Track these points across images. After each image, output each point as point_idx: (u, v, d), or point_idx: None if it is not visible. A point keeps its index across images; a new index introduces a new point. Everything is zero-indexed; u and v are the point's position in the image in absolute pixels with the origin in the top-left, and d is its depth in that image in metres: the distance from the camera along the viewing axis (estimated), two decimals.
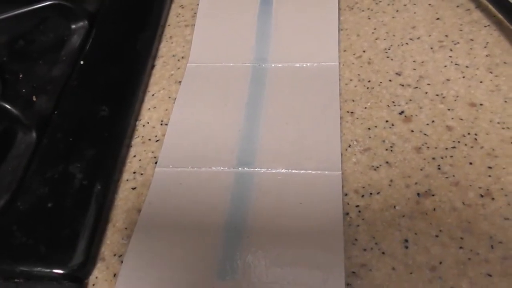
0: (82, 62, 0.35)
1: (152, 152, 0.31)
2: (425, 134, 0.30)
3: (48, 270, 0.24)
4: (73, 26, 0.38)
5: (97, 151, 0.29)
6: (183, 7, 0.42)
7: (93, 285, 0.25)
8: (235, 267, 0.24)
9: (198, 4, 0.42)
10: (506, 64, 0.33)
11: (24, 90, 0.38)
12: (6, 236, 0.26)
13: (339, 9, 0.39)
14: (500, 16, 0.36)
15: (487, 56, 0.34)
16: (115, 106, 0.32)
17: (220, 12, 0.40)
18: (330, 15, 0.38)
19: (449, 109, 0.31)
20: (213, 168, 0.29)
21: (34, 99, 0.36)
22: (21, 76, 0.39)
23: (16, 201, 0.27)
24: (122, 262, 0.26)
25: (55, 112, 0.31)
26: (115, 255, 0.26)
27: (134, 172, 0.30)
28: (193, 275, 0.24)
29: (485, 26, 0.37)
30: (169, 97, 0.35)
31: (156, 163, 0.30)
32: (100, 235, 0.26)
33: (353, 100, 0.33)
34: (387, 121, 0.31)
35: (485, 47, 0.35)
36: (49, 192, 0.27)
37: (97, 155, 0.29)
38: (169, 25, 0.41)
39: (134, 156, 0.31)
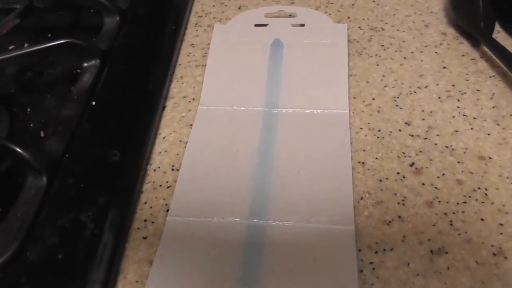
0: (94, 103, 0.35)
1: (164, 199, 0.31)
2: (436, 188, 0.30)
3: None
4: (85, 64, 0.38)
5: (109, 198, 0.29)
6: (193, 47, 0.43)
7: None
8: None
9: (208, 44, 0.42)
10: None
11: (31, 125, 0.38)
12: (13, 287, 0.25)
13: (348, 54, 0.40)
14: (504, 67, 0.37)
15: (493, 107, 0.35)
16: (126, 150, 0.32)
17: (231, 54, 0.40)
18: (340, 60, 0.39)
19: (458, 162, 0.32)
20: (226, 219, 0.29)
21: (42, 134, 0.36)
22: (29, 110, 0.39)
23: (25, 250, 0.26)
24: None
25: (66, 155, 0.31)
26: None
27: (145, 220, 0.30)
28: None
29: (490, 77, 0.37)
30: (180, 141, 0.35)
31: (167, 211, 0.30)
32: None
33: (364, 150, 0.33)
34: (398, 173, 0.31)
35: (491, 98, 0.36)
36: (60, 241, 0.27)
37: (109, 202, 0.29)
38: (179, 64, 0.41)
39: (145, 202, 0.31)
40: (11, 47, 0.45)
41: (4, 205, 0.29)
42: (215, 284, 0.26)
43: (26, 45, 0.44)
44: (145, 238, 0.29)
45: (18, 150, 0.29)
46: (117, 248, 0.27)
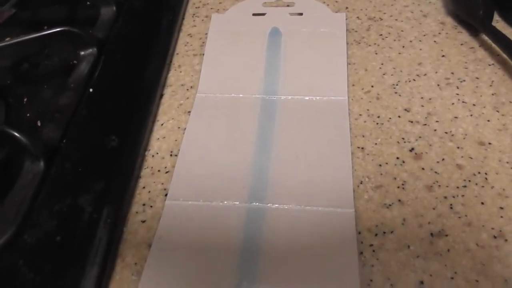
0: (91, 90, 0.35)
1: (162, 183, 0.31)
2: (436, 172, 0.30)
3: None
4: (82, 53, 0.38)
5: (106, 183, 0.29)
6: (191, 36, 0.42)
7: None
8: None
9: (206, 34, 0.42)
10: None
11: (28, 115, 0.37)
12: (12, 271, 0.25)
13: (347, 43, 0.40)
14: (503, 55, 0.37)
15: (493, 94, 0.35)
16: (124, 136, 0.32)
17: (229, 42, 0.40)
18: (338, 48, 0.39)
19: (458, 147, 0.32)
20: (225, 202, 0.29)
21: (39, 123, 0.36)
22: (25, 100, 0.39)
23: (23, 234, 0.26)
24: None
25: (64, 141, 0.31)
26: None
27: (144, 205, 0.30)
28: None
29: (490, 65, 0.37)
30: (179, 127, 0.34)
31: (166, 195, 0.30)
32: (109, 271, 0.26)
33: (363, 136, 0.33)
34: (397, 158, 0.31)
35: (490, 85, 0.36)
36: (57, 225, 0.27)
37: (106, 187, 0.29)
38: (177, 53, 0.41)
39: (144, 187, 0.31)
40: (7, 39, 0.44)
41: (1, 191, 0.29)
42: (214, 267, 0.26)
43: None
44: (143, 222, 0.29)
45: (16, 134, 0.29)
46: (115, 231, 0.27)
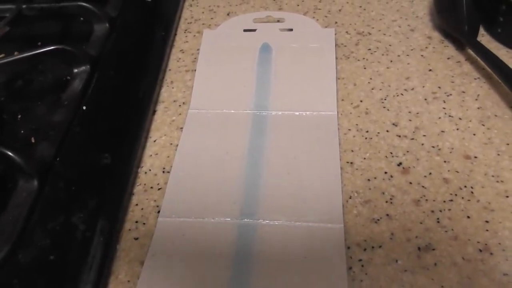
0: (84, 108, 0.35)
1: (155, 200, 0.31)
2: (423, 187, 0.31)
3: None
4: (75, 70, 0.38)
5: (99, 201, 0.29)
6: (183, 52, 0.43)
7: None
8: None
9: (198, 49, 0.43)
10: (497, 117, 0.35)
11: (22, 132, 0.38)
12: None
13: (336, 58, 0.41)
14: (489, 69, 0.38)
15: (478, 108, 0.36)
16: (117, 153, 0.32)
17: (220, 58, 0.41)
18: (328, 64, 0.40)
19: (445, 161, 0.32)
20: (216, 219, 0.29)
21: (33, 140, 0.36)
22: (19, 116, 0.39)
23: (17, 253, 0.26)
24: None
25: (57, 159, 0.31)
26: None
27: (137, 222, 0.30)
28: None
29: (475, 79, 0.38)
30: (171, 144, 0.35)
31: (158, 212, 0.30)
32: None
33: (352, 151, 0.34)
34: (386, 172, 0.32)
35: (476, 99, 0.36)
36: (51, 244, 0.27)
37: (100, 205, 0.29)
38: (170, 69, 0.42)
39: (136, 204, 0.31)
40: (0, 55, 0.45)
41: None
42: (206, 283, 0.26)
43: (16, 53, 0.44)
44: (136, 239, 0.29)
45: (9, 153, 0.29)
46: (108, 249, 0.27)
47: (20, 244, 0.27)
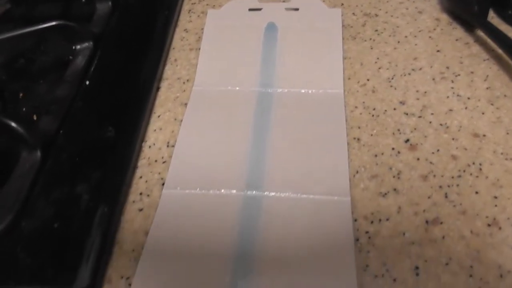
0: (87, 83, 0.35)
1: (159, 173, 0.31)
2: (431, 163, 0.30)
3: None
4: (78, 47, 0.38)
5: (103, 172, 0.29)
6: (187, 31, 0.43)
7: None
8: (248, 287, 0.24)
9: (202, 29, 0.42)
10: (507, 97, 0.34)
11: (24, 109, 0.37)
12: (10, 257, 0.25)
13: (342, 38, 0.40)
14: (498, 50, 0.37)
15: (487, 88, 0.35)
16: (121, 127, 0.32)
17: (225, 37, 0.40)
18: (334, 43, 0.39)
19: (453, 139, 0.32)
20: (222, 191, 0.29)
21: (35, 118, 0.36)
22: (21, 95, 0.39)
23: (20, 222, 0.26)
24: (129, 284, 0.25)
25: (60, 132, 0.31)
26: (122, 277, 0.26)
27: (141, 194, 0.30)
28: None
29: (484, 60, 0.38)
30: (175, 119, 0.35)
31: (163, 184, 0.30)
32: (107, 257, 0.26)
33: (359, 127, 0.33)
34: (393, 148, 0.31)
35: (485, 80, 0.36)
36: (55, 213, 0.27)
37: (103, 176, 0.29)
38: (173, 48, 0.41)
39: (141, 177, 0.31)
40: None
41: None
42: (212, 253, 0.26)
43: None
44: (140, 210, 0.29)
45: (12, 124, 0.29)
46: (112, 218, 0.27)
47: (24, 213, 0.27)
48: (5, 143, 0.31)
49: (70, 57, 0.40)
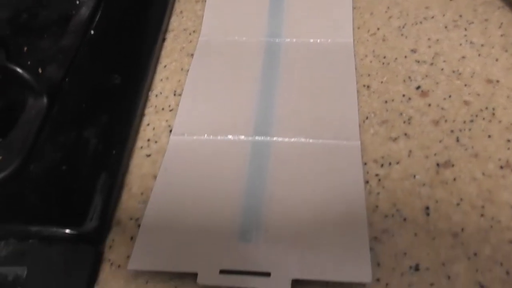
0: (92, 32, 0.34)
1: (166, 121, 0.31)
2: (442, 108, 0.30)
3: (63, 231, 0.23)
4: (81, 0, 0.37)
5: (111, 117, 0.29)
6: None
7: (110, 247, 0.25)
8: (257, 229, 0.24)
9: None
10: None
11: (29, 63, 0.37)
12: (19, 198, 0.25)
13: None
14: None
15: (502, 36, 0.34)
16: (127, 74, 0.31)
17: None
18: None
19: (465, 85, 0.31)
20: (230, 136, 0.29)
21: (40, 71, 0.36)
22: (25, 49, 0.38)
23: (28, 165, 0.26)
24: (139, 226, 0.25)
25: (66, 79, 0.31)
26: (131, 219, 0.26)
27: (149, 140, 0.30)
28: (214, 237, 0.24)
29: (499, 8, 0.36)
30: (182, 69, 0.34)
31: (170, 131, 0.30)
32: (116, 199, 0.26)
33: (368, 75, 0.32)
34: (404, 95, 0.31)
35: (499, 27, 0.35)
36: (63, 156, 0.27)
37: (111, 121, 0.28)
38: (179, 0, 0.40)
39: (148, 124, 0.30)
40: None
41: (5, 127, 0.29)
42: (220, 197, 0.26)
43: None
44: (148, 156, 0.29)
45: (19, 70, 0.29)
46: (120, 160, 0.27)
47: (32, 157, 0.27)
48: (11, 90, 0.31)
49: (73, 12, 0.39)
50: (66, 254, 0.23)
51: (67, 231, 0.23)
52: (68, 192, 0.25)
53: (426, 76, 0.32)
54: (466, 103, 0.30)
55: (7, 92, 0.31)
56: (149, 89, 0.33)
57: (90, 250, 0.23)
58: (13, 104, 0.30)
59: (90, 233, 0.24)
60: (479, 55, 0.33)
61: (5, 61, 0.29)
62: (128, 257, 0.24)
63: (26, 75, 0.29)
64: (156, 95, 0.32)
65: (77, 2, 0.39)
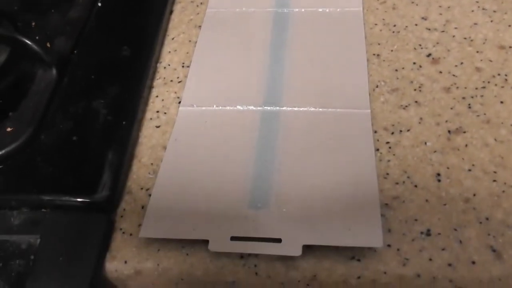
0: (100, 5, 0.34)
1: (175, 92, 0.30)
2: (454, 75, 0.29)
3: (75, 200, 0.24)
4: None
5: (120, 89, 0.29)
6: None
7: (121, 216, 0.25)
8: (267, 196, 0.24)
9: None
10: None
11: (37, 38, 0.37)
12: (31, 168, 0.25)
13: None
14: None
15: None
16: (135, 46, 0.31)
17: None
18: None
19: (477, 52, 0.31)
20: (239, 107, 0.29)
21: (48, 45, 0.35)
22: (33, 24, 0.38)
23: (39, 135, 0.26)
24: (149, 195, 0.25)
25: (75, 52, 0.31)
26: (142, 188, 0.26)
27: (158, 112, 0.30)
28: (224, 205, 0.24)
29: None
30: (189, 41, 0.34)
31: (179, 103, 0.30)
32: (126, 169, 0.26)
33: (378, 44, 0.32)
34: (414, 63, 0.30)
35: None
36: (74, 126, 0.27)
37: (120, 92, 0.28)
38: None
39: (157, 96, 0.30)
40: None
41: (15, 98, 0.29)
42: (230, 168, 0.26)
43: None
44: (158, 127, 0.29)
45: (28, 42, 0.29)
46: (130, 131, 0.27)
47: (42, 127, 0.27)
48: (21, 62, 0.31)
49: None
50: (79, 223, 0.23)
51: (79, 200, 0.24)
52: (79, 162, 0.25)
53: (437, 43, 0.32)
54: (478, 69, 0.30)
55: (17, 64, 0.31)
56: (157, 61, 0.32)
57: (102, 219, 0.24)
58: (23, 76, 0.30)
59: (101, 202, 0.24)
60: (491, 21, 0.32)
61: (14, 32, 0.29)
62: (140, 225, 0.24)
63: (35, 46, 0.29)
64: (165, 67, 0.32)
65: None
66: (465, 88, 0.29)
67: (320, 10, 0.34)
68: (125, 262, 0.23)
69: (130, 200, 0.25)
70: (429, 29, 0.33)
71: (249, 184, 0.25)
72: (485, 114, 0.27)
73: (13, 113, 0.28)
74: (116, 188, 0.24)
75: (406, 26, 0.33)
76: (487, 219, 0.23)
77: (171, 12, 0.36)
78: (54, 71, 0.29)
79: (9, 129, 0.26)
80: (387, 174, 0.25)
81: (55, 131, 0.26)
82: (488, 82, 0.29)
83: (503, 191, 0.24)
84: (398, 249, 0.23)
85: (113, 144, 0.26)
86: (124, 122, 0.27)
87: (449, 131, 0.27)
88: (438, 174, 0.25)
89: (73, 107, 0.28)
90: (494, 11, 0.33)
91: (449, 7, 0.34)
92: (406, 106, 0.28)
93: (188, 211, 0.24)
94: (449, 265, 0.22)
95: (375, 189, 0.24)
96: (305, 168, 0.25)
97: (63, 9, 0.38)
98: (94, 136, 0.26)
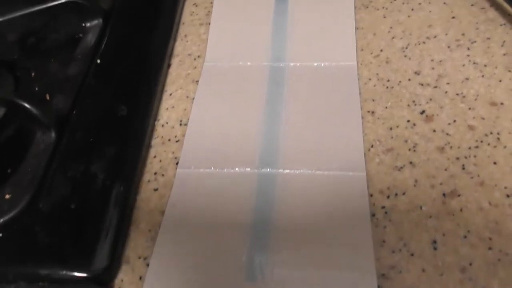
0: (98, 61, 0.34)
1: (173, 152, 0.31)
2: (447, 134, 0.30)
3: (73, 274, 0.24)
4: (88, 24, 0.37)
5: (118, 151, 0.29)
6: (196, 6, 0.42)
7: None
8: (263, 268, 0.24)
9: (212, 3, 0.41)
10: None
11: (37, 89, 0.37)
12: (28, 238, 0.25)
13: (355, 7, 0.39)
14: None
15: (504, 55, 0.34)
16: (133, 105, 0.32)
17: (235, 11, 0.40)
18: (346, 13, 0.38)
19: (470, 108, 0.31)
20: (236, 169, 0.29)
21: (48, 97, 0.36)
22: (33, 74, 0.39)
23: (37, 202, 0.26)
24: (147, 264, 0.25)
25: (74, 112, 0.31)
26: (140, 257, 0.26)
27: (155, 173, 0.30)
28: (221, 277, 0.24)
29: (501, 25, 0.36)
30: (187, 97, 0.34)
31: (177, 163, 0.30)
32: (124, 237, 0.26)
33: (373, 100, 0.33)
34: (408, 120, 0.31)
35: (502, 45, 0.35)
36: (72, 192, 0.27)
37: (118, 155, 0.29)
38: (183, 23, 0.40)
39: (155, 156, 0.31)
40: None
41: (13, 161, 0.29)
42: (228, 231, 0.26)
43: None
44: (156, 190, 0.29)
45: (26, 105, 0.29)
46: (128, 197, 0.27)
47: (41, 192, 0.27)
48: (19, 123, 0.31)
49: (80, 35, 0.40)
50: None
51: (77, 274, 0.24)
52: (77, 231, 0.26)
53: (430, 99, 0.32)
54: (470, 127, 0.30)
55: (15, 124, 0.31)
56: (155, 118, 0.33)
57: None
58: (22, 134, 0.30)
59: (99, 275, 0.24)
60: (482, 76, 0.33)
61: (12, 96, 0.29)
62: None
63: (33, 109, 0.29)
64: (162, 125, 0.33)
65: (84, 25, 0.39)
66: (459, 148, 0.29)
67: (315, 64, 0.35)
68: None
69: (128, 270, 0.25)
70: (422, 85, 0.33)
71: (246, 255, 0.25)
72: (478, 175, 0.28)
73: (12, 177, 0.28)
74: (114, 258, 0.25)
75: (400, 81, 0.34)
76: None
77: (169, 65, 0.37)
78: (53, 133, 0.29)
79: (7, 196, 0.27)
80: (383, 241, 0.25)
81: (53, 197, 0.27)
82: (481, 141, 0.29)
83: (499, 260, 0.24)
84: None
85: (111, 211, 0.26)
86: (121, 188, 0.27)
87: (444, 194, 0.27)
88: (434, 241, 0.25)
89: (71, 172, 0.28)
90: (485, 65, 0.34)
91: (441, 61, 0.34)
92: (401, 167, 0.29)
93: (186, 282, 0.24)
94: None
95: (372, 259, 0.24)
96: (301, 236, 0.26)
97: (63, 59, 0.39)
98: (92, 203, 0.27)
